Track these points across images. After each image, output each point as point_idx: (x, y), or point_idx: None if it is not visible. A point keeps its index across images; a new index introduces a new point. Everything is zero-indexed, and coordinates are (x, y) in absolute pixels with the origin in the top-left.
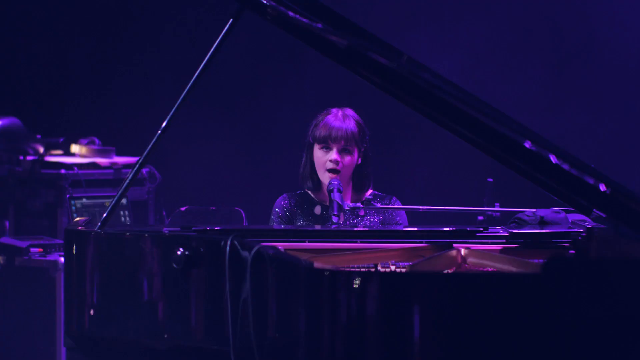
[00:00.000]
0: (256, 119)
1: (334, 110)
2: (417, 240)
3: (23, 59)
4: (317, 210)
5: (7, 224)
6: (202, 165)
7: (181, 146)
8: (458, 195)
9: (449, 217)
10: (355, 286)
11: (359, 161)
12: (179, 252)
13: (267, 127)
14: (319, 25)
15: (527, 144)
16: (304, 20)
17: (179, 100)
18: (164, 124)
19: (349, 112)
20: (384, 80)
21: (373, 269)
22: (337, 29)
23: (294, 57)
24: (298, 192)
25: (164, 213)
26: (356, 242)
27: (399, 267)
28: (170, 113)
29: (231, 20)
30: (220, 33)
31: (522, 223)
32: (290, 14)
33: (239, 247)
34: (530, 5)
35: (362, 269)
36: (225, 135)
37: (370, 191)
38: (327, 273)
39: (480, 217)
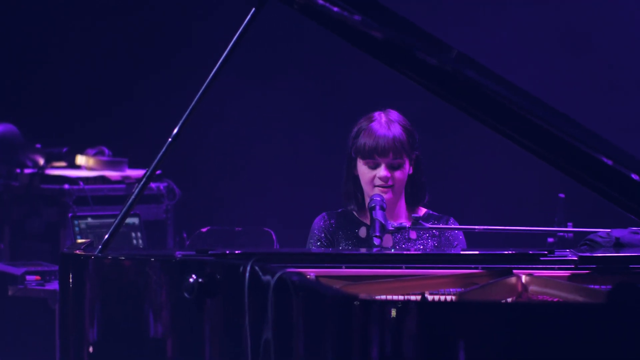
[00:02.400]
0: (289, 126)
1: (376, 114)
2: (472, 266)
3: (21, 60)
4: (362, 232)
5: (1, 246)
6: (228, 180)
7: (204, 157)
8: (524, 214)
9: (512, 239)
10: (391, 319)
11: (411, 170)
12: (191, 280)
13: (301, 136)
14: (354, 15)
15: (604, 159)
16: (335, 9)
17: (192, 104)
18: (175, 131)
19: (393, 115)
20: (428, 79)
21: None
22: (372, 19)
23: (331, 59)
24: (339, 210)
25: (185, 235)
26: (401, 267)
27: (446, 296)
28: (183, 118)
29: (253, 10)
30: (241, 25)
31: (594, 245)
32: (320, 1)
33: (260, 274)
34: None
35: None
36: (254, 145)
37: (424, 210)
38: (357, 303)
39: (550, 239)
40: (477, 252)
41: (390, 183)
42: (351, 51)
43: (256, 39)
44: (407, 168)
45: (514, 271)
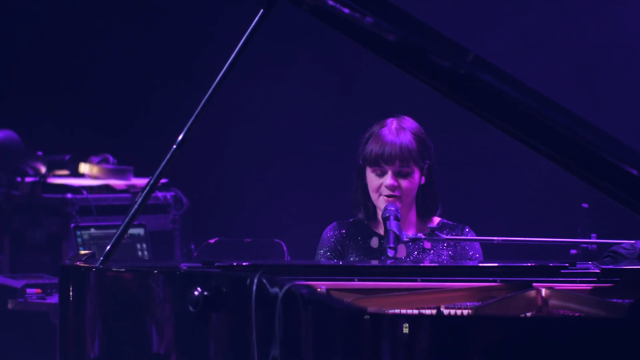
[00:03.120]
0: (301, 134)
1: (389, 121)
2: (489, 279)
3: (22, 65)
4: (374, 242)
5: (1, 258)
6: (238, 189)
7: (213, 166)
8: (546, 224)
9: (533, 250)
10: (403, 334)
11: (422, 180)
12: (196, 293)
13: (314, 145)
14: (366, 17)
15: (628, 168)
16: (345, 10)
17: (198, 109)
18: (180, 137)
19: (406, 122)
20: (442, 83)
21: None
22: (385, 20)
23: (344, 68)
24: (350, 220)
25: (192, 246)
26: (416, 280)
27: (462, 310)
28: (188, 124)
29: (261, 11)
30: (249, 27)
31: (618, 257)
32: (330, 2)
33: (268, 286)
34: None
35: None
36: (265, 154)
37: (438, 219)
38: (367, 317)
39: (573, 251)
40: (495, 265)
41: (397, 193)
42: (366, 58)
43: (266, 43)
44: (417, 178)
45: (534, 284)
